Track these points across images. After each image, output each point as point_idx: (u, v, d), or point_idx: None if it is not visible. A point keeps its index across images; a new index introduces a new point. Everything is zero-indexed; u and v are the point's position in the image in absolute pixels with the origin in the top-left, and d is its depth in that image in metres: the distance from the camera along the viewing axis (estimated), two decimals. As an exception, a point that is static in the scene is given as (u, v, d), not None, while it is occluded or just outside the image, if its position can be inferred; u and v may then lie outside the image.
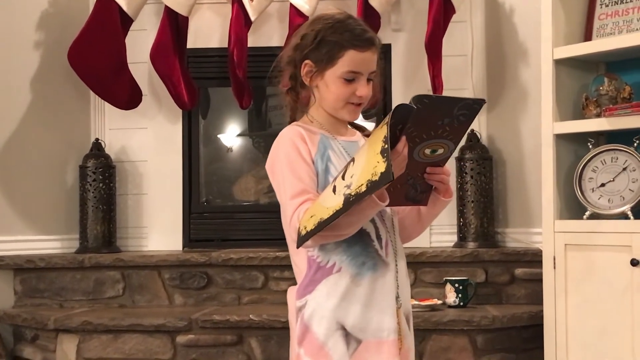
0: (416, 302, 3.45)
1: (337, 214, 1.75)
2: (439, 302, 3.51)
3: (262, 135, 4.52)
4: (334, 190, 1.79)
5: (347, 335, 1.92)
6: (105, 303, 3.79)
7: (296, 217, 1.86)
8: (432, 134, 1.79)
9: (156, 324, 3.41)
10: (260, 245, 3.98)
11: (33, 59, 4.08)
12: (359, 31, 1.96)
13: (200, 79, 4.12)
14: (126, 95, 3.98)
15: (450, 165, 3.96)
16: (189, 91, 3.95)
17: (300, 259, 1.99)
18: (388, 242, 1.98)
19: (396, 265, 1.98)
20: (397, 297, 1.96)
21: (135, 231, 4.16)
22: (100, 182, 3.99)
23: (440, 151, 1.84)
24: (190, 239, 4.16)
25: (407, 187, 1.90)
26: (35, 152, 4.08)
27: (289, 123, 2.04)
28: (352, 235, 1.90)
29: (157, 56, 3.92)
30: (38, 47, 4.09)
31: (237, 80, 3.89)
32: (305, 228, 1.81)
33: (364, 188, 1.71)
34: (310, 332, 1.93)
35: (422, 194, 1.94)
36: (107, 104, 4.07)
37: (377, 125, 1.81)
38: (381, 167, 1.69)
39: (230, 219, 4.21)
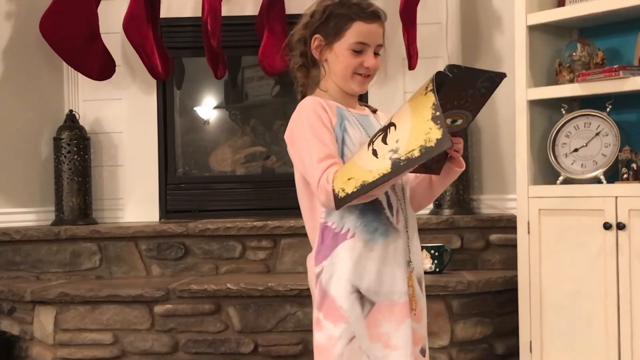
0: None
1: (386, 178, 1.82)
2: (415, 268, 3.53)
3: (239, 107, 4.51)
4: (375, 154, 1.84)
5: (362, 297, 1.99)
6: (82, 275, 3.79)
7: (325, 179, 1.92)
8: (455, 104, 1.83)
9: (134, 295, 3.41)
10: (238, 215, 3.99)
11: (4, 30, 4.04)
12: (365, 5, 2.06)
13: (174, 49, 4.09)
14: (99, 66, 3.95)
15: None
16: (162, 61, 3.92)
17: (315, 226, 2.06)
18: (399, 210, 2.05)
19: (407, 231, 2.05)
20: (409, 262, 2.04)
21: (111, 203, 4.15)
22: (75, 154, 3.97)
23: (460, 122, 1.89)
24: (167, 210, 4.15)
25: None
26: (9, 125, 4.04)
27: (301, 99, 2.10)
28: (365, 203, 1.98)
29: (130, 26, 3.89)
30: (9, 18, 4.04)
31: (211, 50, 3.87)
32: (343, 190, 1.87)
33: (417, 153, 1.77)
34: (328, 296, 2.01)
35: (437, 163, 1.99)
36: (80, 75, 4.04)
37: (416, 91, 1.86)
38: (436, 133, 1.75)
39: (207, 190, 4.21)
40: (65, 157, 3.96)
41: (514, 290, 3.33)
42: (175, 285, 3.44)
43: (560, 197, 3.17)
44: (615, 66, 3.04)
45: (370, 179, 1.83)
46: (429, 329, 3.31)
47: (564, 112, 3.26)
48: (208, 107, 4.47)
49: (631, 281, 2.95)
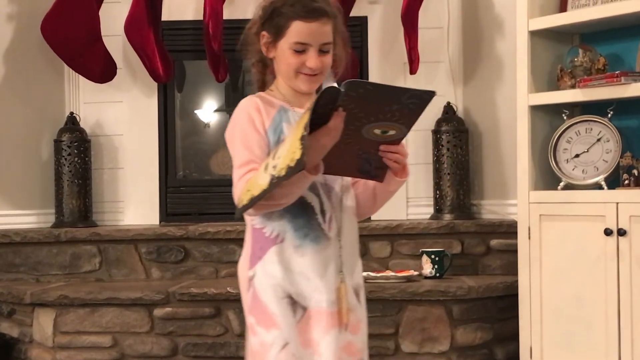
0: (392, 274, 3.48)
1: (264, 193, 1.80)
2: (416, 273, 3.53)
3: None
4: (266, 168, 1.83)
5: (294, 303, 1.95)
6: (81, 277, 3.78)
7: (239, 187, 1.89)
8: (381, 117, 1.81)
9: (133, 298, 3.41)
10: (238, 219, 3.98)
11: (5, 31, 4.04)
12: (307, 2, 1.95)
13: (175, 52, 4.09)
14: (100, 69, 3.95)
15: (427, 138, 4.00)
16: (164, 64, 3.92)
17: (248, 229, 2.03)
18: (332, 218, 1.98)
19: (339, 240, 1.99)
20: (341, 272, 1.98)
21: (112, 205, 4.14)
22: (76, 156, 3.97)
23: (392, 132, 1.85)
24: (167, 212, 4.15)
25: (360, 160, 1.91)
26: (9, 127, 4.04)
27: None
28: (297, 208, 1.93)
29: (132, 28, 3.88)
30: (11, 20, 4.04)
31: (212, 53, 3.86)
32: (241, 201, 1.86)
33: (283, 172, 1.76)
34: (259, 301, 1.96)
35: (377, 170, 1.95)
36: (81, 78, 4.04)
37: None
38: (298, 154, 1.73)
39: (207, 193, 4.20)
40: (65, 159, 3.96)
41: (515, 296, 3.32)
42: (175, 289, 3.43)
43: (561, 203, 3.17)
44: (616, 72, 3.03)
45: (256, 192, 1.82)
46: (429, 333, 3.33)
47: (565, 117, 3.26)
48: (209, 110, 4.47)
49: (632, 287, 2.94)
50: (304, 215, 1.95)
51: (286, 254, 1.95)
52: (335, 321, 1.95)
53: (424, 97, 1.80)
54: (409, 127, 1.85)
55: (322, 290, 1.95)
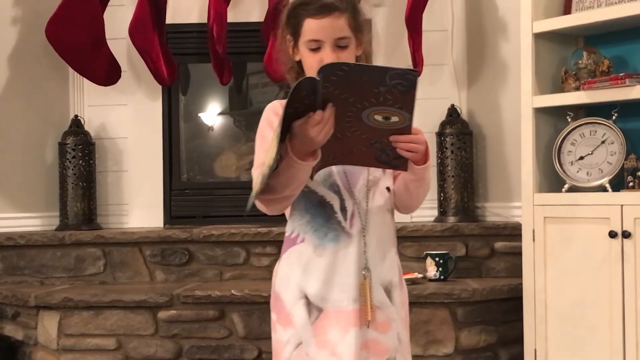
0: (397, 276, 3.48)
1: (257, 192, 1.81)
2: (420, 275, 3.52)
3: (243, 113, 4.51)
4: (262, 165, 1.83)
5: (309, 303, 1.97)
6: (86, 280, 3.79)
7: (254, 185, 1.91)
8: (373, 100, 1.76)
9: (137, 300, 3.41)
10: (242, 222, 3.98)
11: (10, 35, 4.05)
12: None
13: (179, 55, 4.09)
14: (105, 72, 3.95)
15: (430, 141, 3.99)
16: (168, 67, 3.93)
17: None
18: (355, 215, 1.98)
19: (364, 237, 1.98)
20: (367, 269, 1.97)
21: (116, 208, 4.15)
22: (80, 159, 3.97)
23: (395, 119, 1.81)
24: (172, 215, 4.15)
25: (375, 149, 1.87)
26: (14, 130, 4.05)
27: None
28: (316, 208, 1.96)
29: (136, 31, 3.89)
30: (15, 23, 4.05)
31: (216, 56, 3.87)
32: (249, 199, 1.86)
33: (267, 170, 1.77)
34: (279, 300, 2.01)
35: (397, 160, 1.90)
36: (85, 81, 4.04)
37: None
38: (273, 152, 1.75)
39: (212, 196, 4.21)
40: (70, 162, 3.97)
41: (519, 298, 3.32)
42: (179, 291, 3.44)
43: (565, 205, 3.17)
44: (621, 74, 3.03)
45: (254, 191, 1.82)
46: (433, 336, 3.33)
47: (569, 119, 3.25)
48: (213, 113, 4.48)
49: (636, 290, 2.94)
50: (323, 215, 1.97)
51: (305, 254, 1.98)
52: (355, 320, 1.95)
53: (408, 77, 1.74)
54: (409, 111, 1.80)
55: (341, 290, 1.95)
